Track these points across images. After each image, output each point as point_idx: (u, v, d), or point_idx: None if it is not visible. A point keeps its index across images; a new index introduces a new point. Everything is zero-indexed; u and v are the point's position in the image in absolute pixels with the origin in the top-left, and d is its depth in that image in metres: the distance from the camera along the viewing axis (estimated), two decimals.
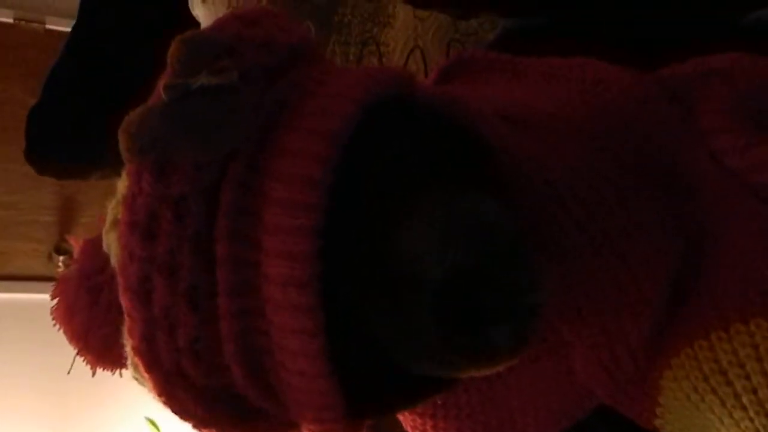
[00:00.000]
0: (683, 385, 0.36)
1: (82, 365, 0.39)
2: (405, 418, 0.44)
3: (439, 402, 0.40)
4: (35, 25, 1.83)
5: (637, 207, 0.37)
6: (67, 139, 0.86)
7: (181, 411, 0.31)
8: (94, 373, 0.38)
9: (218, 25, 0.30)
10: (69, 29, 0.88)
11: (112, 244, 0.32)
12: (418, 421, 0.42)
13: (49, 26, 1.87)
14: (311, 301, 0.28)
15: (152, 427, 2.01)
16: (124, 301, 0.30)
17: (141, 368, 0.31)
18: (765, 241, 0.35)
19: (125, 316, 0.30)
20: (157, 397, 0.31)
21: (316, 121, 0.29)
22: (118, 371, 0.37)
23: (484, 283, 0.27)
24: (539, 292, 0.28)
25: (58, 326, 0.36)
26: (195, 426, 0.32)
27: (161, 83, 0.28)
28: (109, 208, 0.33)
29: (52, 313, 0.36)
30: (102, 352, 0.36)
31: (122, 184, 0.30)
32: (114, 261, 0.32)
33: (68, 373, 0.40)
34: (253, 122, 0.29)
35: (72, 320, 0.36)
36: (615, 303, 0.36)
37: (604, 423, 0.43)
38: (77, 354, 0.37)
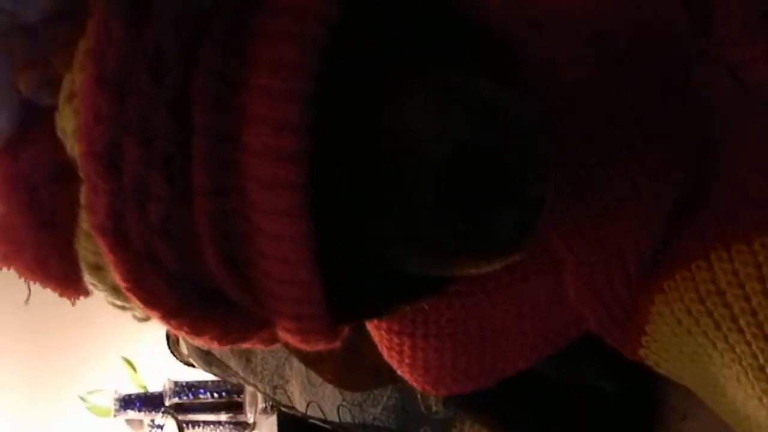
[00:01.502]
0: (675, 308, 0.35)
1: (51, 301, 0.36)
2: (381, 338, 0.42)
3: (419, 319, 0.38)
4: None
5: (650, 120, 0.35)
6: None
7: (149, 299, 0.28)
8: (73, 303, 0.35)
9: None
10: None
11: (68, 122, 0.28)
12: (395, 340, 0.41)
13: None
14: (298, 177, 0.25)
15: (128, 366, 1.98)
16: (87, 171, 0.26)
17: (104, 251, 0.28)
18: None
19: (86, 192, 0.27)
20: (122, 283, 0.28)
21: None
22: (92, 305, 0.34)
23: (490, 164, 0.25)
24: (548, 179, 0.26)
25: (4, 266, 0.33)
26: (163, 316, 0.29)
27: None
28: (63, 82, 0.29)
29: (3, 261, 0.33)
30: (66, 277, 0.32)
31: (83, 42, 0.27)
32: (70, 146, 0.28)
33: (25, 303, 0.37)
34: None
35: (20, 253, 0.32)
36: (616, 221, 0.34)
37: (589, 355, 0.42)
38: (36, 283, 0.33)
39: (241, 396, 1.48)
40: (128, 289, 0.28)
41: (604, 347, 0.39)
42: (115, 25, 0.24)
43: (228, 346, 0.33)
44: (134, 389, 1.96)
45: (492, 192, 0.25)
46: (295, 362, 0.63)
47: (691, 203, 0.35)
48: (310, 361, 0.59)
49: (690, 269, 0.34)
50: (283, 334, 0.32)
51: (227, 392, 1.53)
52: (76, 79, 0.27)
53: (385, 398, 0.60)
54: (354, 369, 0.57)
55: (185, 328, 0.30)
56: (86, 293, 0.33)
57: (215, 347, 0.34)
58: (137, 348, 1.95)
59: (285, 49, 0.25)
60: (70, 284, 0.32)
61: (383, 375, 0.51)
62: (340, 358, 0.59)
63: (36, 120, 0.31)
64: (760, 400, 0.32)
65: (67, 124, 0.28)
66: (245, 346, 0.34)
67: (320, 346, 0.33)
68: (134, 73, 0.25)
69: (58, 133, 0.29)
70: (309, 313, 0.29)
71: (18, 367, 1.98)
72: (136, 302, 0.28)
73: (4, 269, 0.34)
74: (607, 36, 0.35)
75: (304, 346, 0.33)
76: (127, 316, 0.35)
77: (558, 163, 0.33)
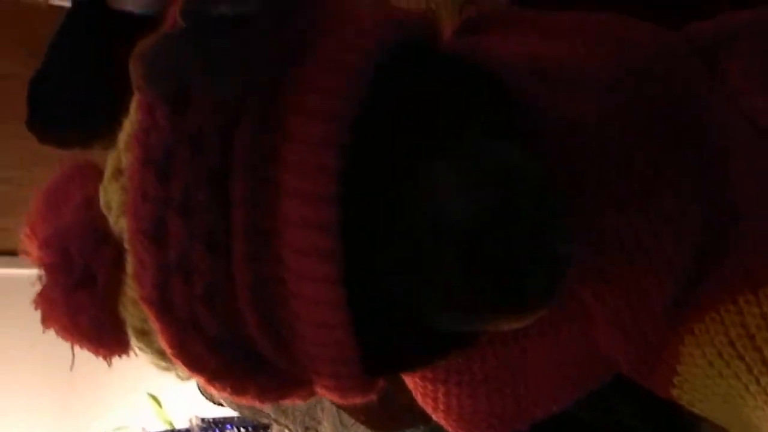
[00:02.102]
0: (706, 351, 0.35)
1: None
2: (415, 385, 0.42)
3: (452, 367, 0.39)
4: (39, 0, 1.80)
5: (666, 166, 0.35)
6: (68, 108, 0.85)
7: (193, 363, 0.29)
8: (110, 364, 0.36)
9: None
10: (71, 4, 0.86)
11: (114, 197, 0.30)
12: (429, 387, 0.41)
13: (52, 1, 1.84)
14: (333, 245, 0.27)
15: (154, 402, 2.00)
16: (133, 246, 0.28)
17: (151, 319, 0.29)
18: None
19: (134, 265, 0.29)
20: (168, 349, 0.29)
21: (340, 56, 0.28)
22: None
23: (514, 226, 0.26)
24: (571, 239, 0.27)
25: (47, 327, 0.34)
26: (207, 379, 0.30)
27: (176, 8, 0.26)
28: (108, 159, 0.31)
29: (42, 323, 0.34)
30: (98, 337, 0.33)
31: (129, 124, 0.29)
32: (114, 219, 0.30)
33: (71, 369, 0.38)
34: (274, 55, 0.27)
35: (56, 313, 0.33)
36: (639, 266, 0.35)
37: (621, 395, 0.42)
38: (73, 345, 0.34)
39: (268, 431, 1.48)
40: (174, 355, 0.29)
41: (636, 388, 0.39)
42: (159, 110, 0.26)
43: (269, 403, 0.34)
44: (161, 426, 1.97)
45: (520, 255, 0.26)
46: (327, 403, 0.63)
47: (715, 246, 0.36)
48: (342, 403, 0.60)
49: (719, 312, 0.35)
50: (321, 391, 0.33)
51: (254, 428, 1.53)
52: (122, 158, 0.29)
53: None
54: (386, 409, 0.57)
55: (228, 390, 0.31)
56: (121, 353, 0.34)
57: (256, 404, 0.35)
58: (163, 385, 1.97)
59: (316, 126, 0.26)
60: (103, 344, 0.34)
61: (414, 415, 0.51)
62: (375, 401, 0.59)
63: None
64: None
65: (113, 198, 0.30)
66: (286, 402, 0.35)
67: (357, 400, 0.34)
68: (177, 154, 0.26)
69: (102, 207, 0.30)
70: (346, 372, 0.30)
71: (46, 404, 2.01)
72: (181, 366, 0.29)
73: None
74: (620, 89, 0.36)
75: (341, 401, 0.34)
76: None
77: (579, 215, 0.34)
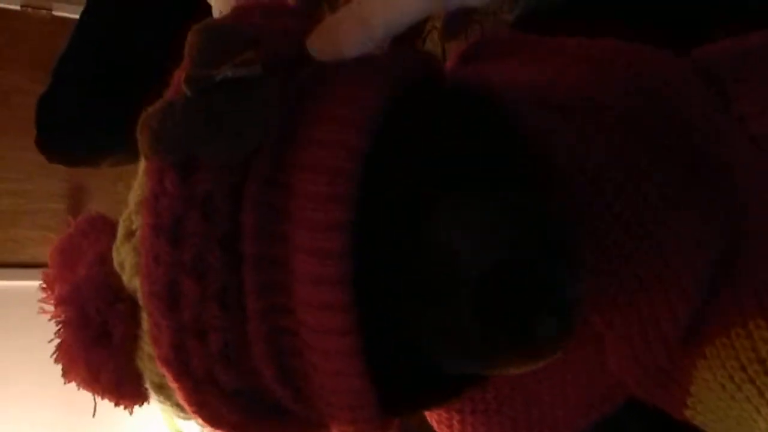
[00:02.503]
0: (718, 374, 0.35)
1: None
2: (431, 414, 0.43)
3: (467, 396, 0.40)
4: (42, 12, 1.81)
5: (676, 194, 0.36)
6: (76, 127, 0.85)
7: (214, 419, 0.30)
8: (131, 413, 0.37)
9: (239, 15, 0.28)
10: (76, 16, 0.87)
11: (127, 258, 0.30)
12: (444, 416, 0.42)
13: (56, 13, 1.85)
14: (344, 299, 0.27)
15: (165, 413, 2.01)
16: (149, 310, 0.28)
17: (169, 379, 0.30)
18: None
19: (150, 326, 0.29)
20: (187, 407, 0.30)
21: (343, 109, 0.28)
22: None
23: (525, 277, 0.26)
24: (581, 283, 0.27)
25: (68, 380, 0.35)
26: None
27: (180, 75, 0.26)
28: (120, 220, 0.32)
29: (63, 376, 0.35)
30: (118, 390, 0.34)
31: (139, 187, 0.29)
32: (127, 278, 0.31)
33: (93, 416, 0.39)
34: (279, 115, 0.27)
35: (77, 367, 0.34)
36: (650, 293, 0.35)
37: (635, 417, 0.42)
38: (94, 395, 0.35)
39: None
40: (193, 412, 0.29)
41: (650, 411, 0.40)
42: (167, 176, 0.26)
43: None
44: None
45: (529, 302, 0.26)
46: None
47: (726, 271, 0.36)
48: None
49: (729, 336, 0.35)
50: None
51: None
52: (134, 219, 0.29)
53: None
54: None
55: None
56: (141, 402, 0.35)
57: None
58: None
59: (323, 181, 0.27)
60: (123, 396, 0.34)
61: None
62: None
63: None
64: None
65: (126, 259, 0.30)
66: None
67: None
68: (187, 218, 0.27)
69: (116, 266, 0.31)
70: (364, 416, 0.30)
71: (48, 414, 2.01)
72: (200, 422, 0.30)
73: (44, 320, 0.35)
74: (630, 118, 0.36)
75: None
76: None
77: (590, 244, 0.34)
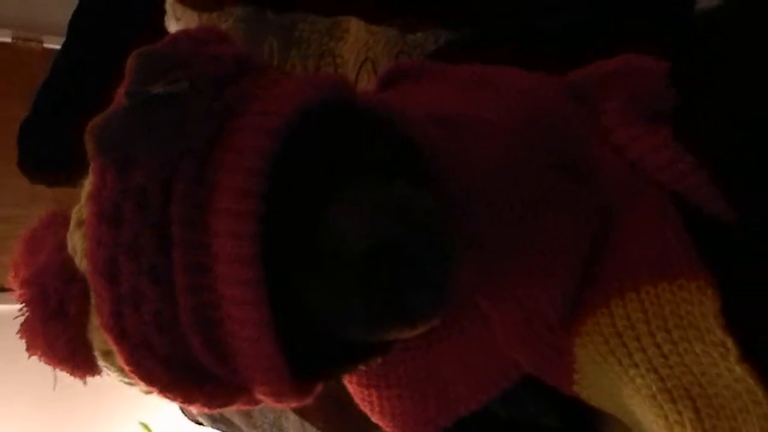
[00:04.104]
0: (590, 350, 0.41)
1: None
2: (355, 392, 0.48)
3: (381, 373, 0.45)
4: (33, 44, 1.86)
5: (551, 195, 0.42)
6: (56, 149, 0.91)
7: (147, 378, 0.35)
8: (84, 383, 0.42)
9: (171, 42, 0.35)
10: None
11: (77, 243, 0.36)
12: (365, 392, 0.47)
13: (47, 45, 1.90)
14: (255, 275, 0.33)
15: (145, 430, 2.04)
16: (93, 284, 0.34)
17: (110, 343, 0.35)
18: (652, 221, 0.40)
19: (94, 298, 0.35)
20: (126, 368, 0.36)
21: (258, 120, 0.34)
22: (106, 375, 0.40)
23: (402, 255, 0.32)
24: (451, 261, 0.34)
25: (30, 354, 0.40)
26: (160, 391, 0.36)
27: (121, 92, 0.32)
28: (72, 212, 0.38)
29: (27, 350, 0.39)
30: (72, 360, 0.39)
31: (87, 184, 0.35)
32: (79, 260, 0.36)
33: (53, 389, 0.44)
34: (204, 124, 0.34)
35: (37, 341, 0.39)
36: (528, 279, 0.41)
37: (531, 393, 0.48)
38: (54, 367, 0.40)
39: None
40: (131, 371, 0.35)
41: (545, 385, 0.45)
42: (108, 173, 0.32)
43: (217, 410, 0.40)
44: None
45: (403, 278, 0.32)
46: (291, 414, 0.69)
47: (596, 259, 0.42)
48: (303, 413, 0.66)
49: (596, 314, 0.41)
50: (260, 397, 0.39)
51: None
52: (83, 211, 0.35)
53: None
54: (342, 418, 0.63)
55: (179, 399, 0.37)
56: (93, 373, 0.40)
57: (206, 411, 0.41)
58: (154, 413, 2.01)
59: (238, 179, 0.33)
60: (77, 366, 0.40)
61: (369, 422, 0.57)
62: (330, 408, 0.65)
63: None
64: (657, 423, 0.38)
65: (77, 243, 0.36)
66: (232, 408, 0.41)
67: (294, 403, 0.40)
68: (124, 207, 0.33)
69: (69, 251, 0.37)
70: (276, 379, 0.36)
71: None
72: (137, 381, 0.36)
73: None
74: (513, 131, 0.42)
75: (279, 405, 0.40)
76: None
77: (473, 238, 0.40)
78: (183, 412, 0.94)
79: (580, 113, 0.44)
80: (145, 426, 2.06)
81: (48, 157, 0.94)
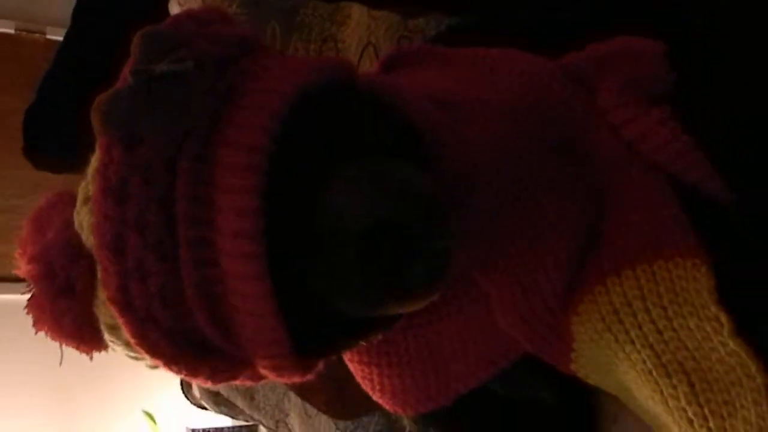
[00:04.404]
0: (587, 327, 0.42)
1: (78, 362, 0.43)
2: (355, 370, 0.49)
3: (382, 351, 0.46)
4: (36, 35, 1.87)
5: (548, 176, 0.43)
6: (60, 136, 0.92)
7: (152, 351, 0.36)
8: (91, 359, 0.43)
9: (175, 22, 0.35)
10: None
11: (84, 219, 0.37)
12: (366, 370, 0.48)
13: (50, 36, 1.91)
14: (257, 249, 0.34)
15: (149, 419, 2.06)
16: (99, 258, 0.35)
17: (116, 316, 0.36)
18: (649, 201, 0.41)
19: (100, 272, 0.36)
20: (131, 340, 0.36)
21: (261, 98, 0.35)
22: (113, 365, 0.41)
23: (399, 233, 0.33)
24: (448, 238, 0.34)
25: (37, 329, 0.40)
26: (165, 363, 0.37)
27: (126, 70, 0.33)
28: (79, 189, 0.38)
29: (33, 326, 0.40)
30: (79, 335, 0.40)
31: (93, 161, 0.36)
32: (86, 236, 0.37)
33: (60, 364, 0.44)
34: (207, 103, 0.34)
35: (44, 316, 0.40)
36: (527, 258, 0.42)
37: (529, 372, 0.49)
38: (61, 344, 0.41)
39: None
40: (136, 344, 0.36)
41: (543, 364, 0.46)
42: (114, 149, 0.33)
43: (220, 384, 0.41)
44: None
45: (403, 254, 0.33)
46: (293, 396, 0.70)
47: (593, 241, 0.43)
48: (304, 394, 0.67)
49: (594, 293, 0.42)
50: (263, 371, 0.40)
51: None
52: (89, 188, 0.36)
53: (373, 424, 0.67)
54: (343, 399, 0.64)
55: (183, 372, 0.38)
56: (99, 349, 0.41)
57: (209, 385, 0.42)
58: (157, 402, 2.03)
59: (240, 156, 0.34)
60: (84, 341, 0.40)
61: (369, 402, 0.58)
62: (330, 390, 0.66)
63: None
64: (653, 398, 0.39)
65: (84, 220, 0.37)
66: (236, 382, 0.42)
67: (296, 379, 0.40)
68: (130, 183, 0.33)
69: (77, 227, 0.37)
70: (278, 353, 0.37)
71: (43, 422, 2.06)
72: (142, 354, 0.36)
73: (31, 332, 0.42)
74: (511, 112, 0.43)
75: (282, 379, 0.41)
76: (147, 373, 0.42)
77: (473, 218, 0.41)
78: (186, 397, 0.95)
79: (577, 95, 0.44)
80: (149, 414, 2.08)
81: (52, 144, 0.95)
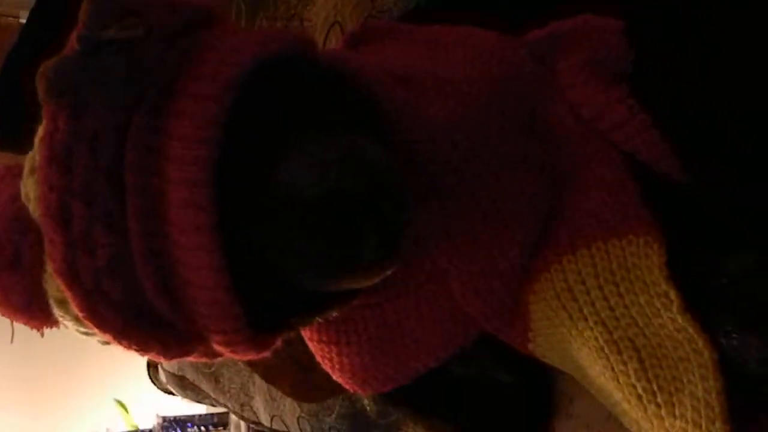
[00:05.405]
0: (543, 306, 0.42)
1: (49, 351, 0.42)
2: (315, 349, 0.49)
3: (341, 329, 0.46)
4: (10, 19, 1.84)
5: (509, 153, 0.43)
6: (22, 116, 0.90)
7: (101, 324, 0.36)
8: (42, 335, 0.42)
9: None
10: None
11: (31, 190, 0.36)
12: (325, 349, 0.48)
13: (23, 20, 1.87)
14: (207, 220, 0.33)
15: (121, 408, 2.05)
16: (44, 228, 0.34)
17: (63, 288, 0.35)
18: (605, 179, 0.41)
19: (47, 244, 0.35)
20: (79, 313, 0.36)
21: (213, 69, 0.34)
22: (84, 355, 0.40)
23: (353, 202, 0.33)
24: (403, 210, 0.34)
25: None
26: (114, 337, 0.36)
27: (74, 36, 0.32)
28: (26, 159, 0.37)
29: None
30: (28, 310, 0.39)
31: (40, 129, 0.35)
32: (33, 207, 0.36)
33: (11, 341, 0.43)
34: (155, 72, 0.34)
35: None
36: (485, 235, 0.42)
37: (486, 351, 0.49)
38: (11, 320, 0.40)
39: (227, 429, 1.54)
40: (84, 318, 0.35)
41: (502, 344, 0.46)
42: (60, 117, 0.32)
43: (173, 360, 0.40)
44: (127, 429, 2.02)
45: (356, 224, 0.33)
46: (258, 379, 0.70)
47: (551, 219, 0.43)
48: (269, 377, 0.66)
49: (550, 271, 0.42)
50: (216, 348, 0.39)
51: (213, 425, 1.59)
52: (36, 158, 0.35)
53: (337, 407, 0.66)
54: (307, 382, 0.64)
55: (134, 346, 0.37)
56: (49, 324, 0.40)
57: (162, 361, 0.41)
58: (129, 391, 2.02)
59: (191, 126, 0.33)
60: (33, 316, 0.40)
61: (334, 386, 0.58)
62: (295, 373, 0.66)
63: None
64: (604, 375, 0.39)
65: (30, 190, 0.36)
66: (190, 359, 0.41)
67: (251, 356, 0.40)
68: (76, 152, 0.33)
69: (23, 199, 0.36)
70: (231, 328, 0.36)
71: (15, 413, 2.03)
72: (91, 328, 0.36)
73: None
74: (473, 89, 0.43)
75: (236, 356, 0.40)
76: (118, 362, 0.41)
77: (432, 194, 0.41)
78: (153, 381, 0.94)
79: (538, 73, 0.44)
80: (121, 403, 2.07)
81: (14, 125, 0.93)
